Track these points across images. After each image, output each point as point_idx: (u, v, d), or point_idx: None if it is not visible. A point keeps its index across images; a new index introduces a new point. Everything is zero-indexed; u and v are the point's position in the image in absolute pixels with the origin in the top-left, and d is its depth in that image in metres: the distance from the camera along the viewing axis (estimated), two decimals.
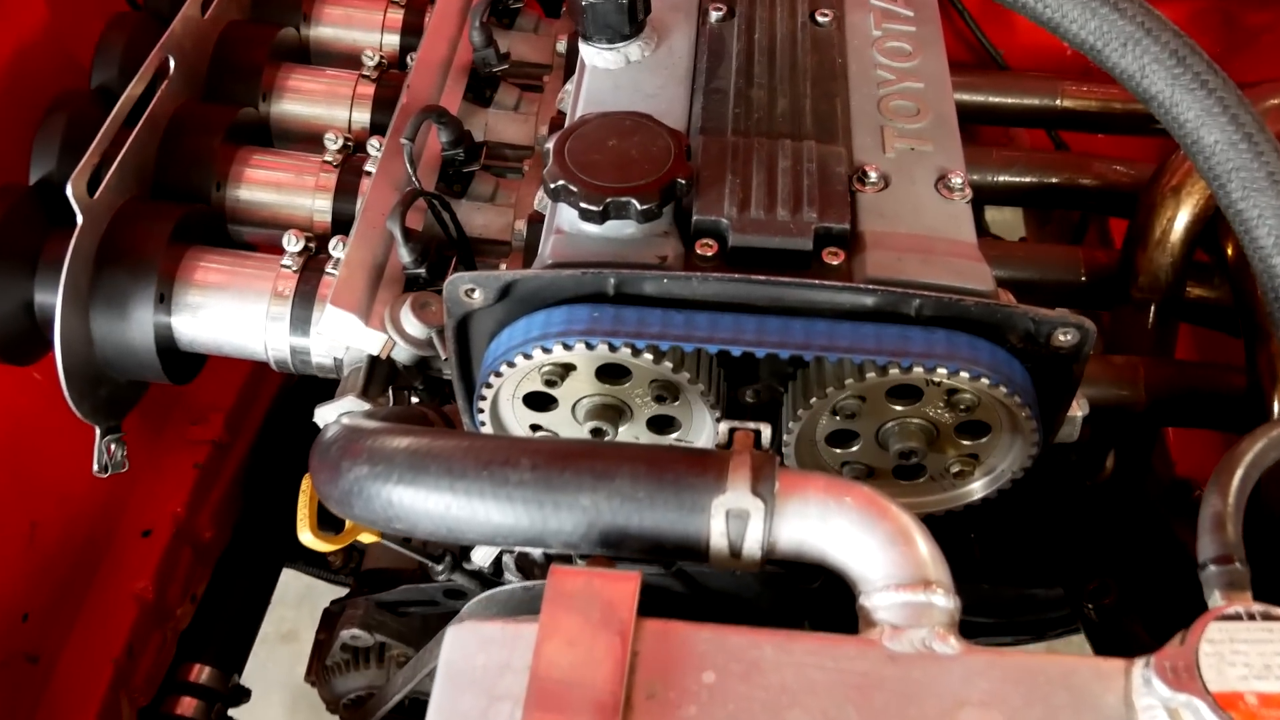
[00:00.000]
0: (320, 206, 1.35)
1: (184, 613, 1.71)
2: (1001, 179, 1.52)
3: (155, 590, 1.60)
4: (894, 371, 0.94)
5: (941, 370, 0.93)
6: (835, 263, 0.97)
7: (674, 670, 0.73)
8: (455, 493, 0.83)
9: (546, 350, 0.95)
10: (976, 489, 1.08)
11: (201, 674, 1.67)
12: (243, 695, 1.72)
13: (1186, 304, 1.39)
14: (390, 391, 1.17)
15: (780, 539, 0.81)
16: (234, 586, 1.76)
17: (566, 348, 0.94)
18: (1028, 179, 1.52)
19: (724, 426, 0.87)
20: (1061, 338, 0.96)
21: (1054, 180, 1.51)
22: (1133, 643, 1.38)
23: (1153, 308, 1.36)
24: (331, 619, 1.58)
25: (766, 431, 0.86)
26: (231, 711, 1.69)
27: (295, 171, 1.36)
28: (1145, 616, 1.38)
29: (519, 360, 0.97)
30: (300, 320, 1.24)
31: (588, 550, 0.83)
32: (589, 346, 0.94)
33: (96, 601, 1.56)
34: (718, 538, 0.81)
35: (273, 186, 1.36)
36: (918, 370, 0.94)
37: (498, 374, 0.99)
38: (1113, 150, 1.73)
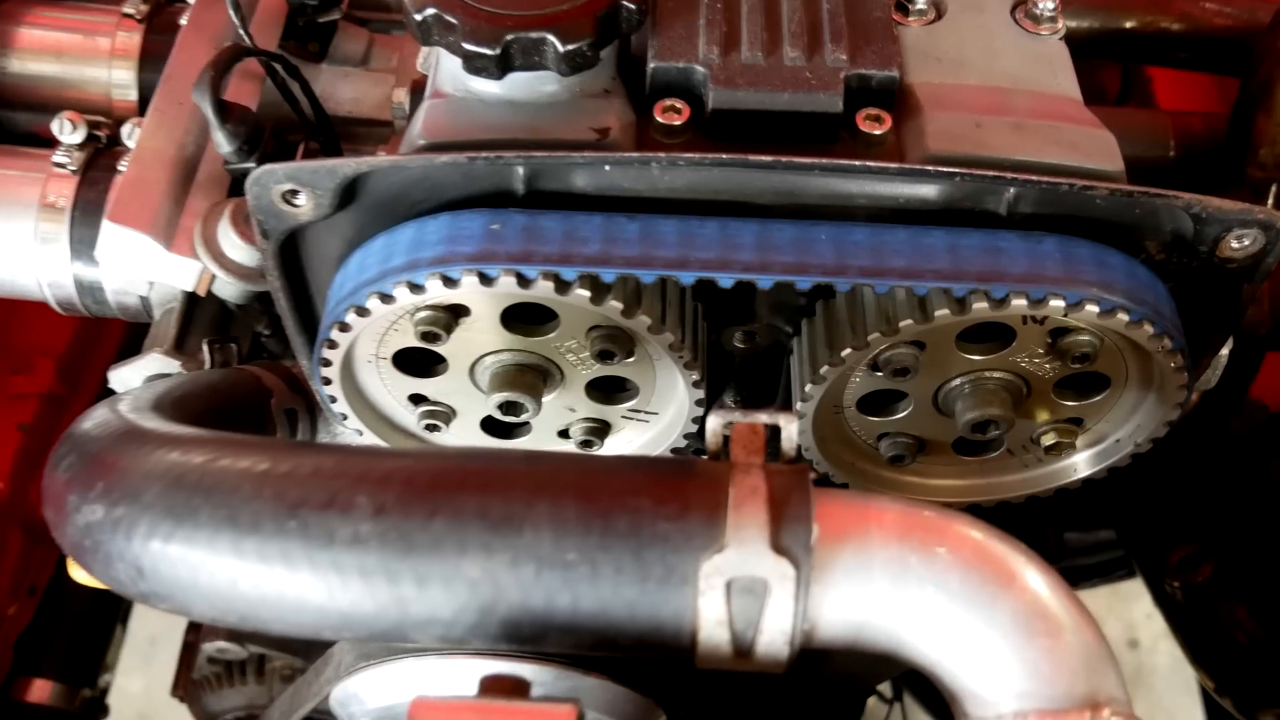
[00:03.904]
0: (120, 79, 1.00)
1: (20, 611, 1.38)
2: None
3: None
4: (979, 306, 0.59)
5: (1057, 302, 0.58)
6: (878, 132, 0.63)
7: None
8: (243, 557, 0.47)
9: (416, 287, 0.58)
10: (1078, 466, 0.74)
11: (43, 691, 1.33)
12: (98, 711, 1.38)
13: None
14: (207, 346, 0.80)
15: (822, 621, 0.46)
16: None
17: (449, 282, 0.58)
18: (1087, 23, 1.14)
19: (715, 420, 0.50)
20: (1235, 244, 0.61)
21: (1127, 25, 1.13)
22: (1233, 630, 1.06)
23: (1274, 189, 1.00)
24: (196, 623, 1.24)
25: (792, 427, 0.49)
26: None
27: (84, 30, 1.02)
28: (1250, 597, 1.06)
29: (374, 304, 0.60)
30: (86, 242, 0.88)
31: (483, 646, 0.48)
32: (485, 279, 0.57)
33: None
34: (712, 627, 0.45)
35: (51, 53, 1.00)
36: (1018, 303, 0.58)
37: (343, 326, 0.62)
38: None
